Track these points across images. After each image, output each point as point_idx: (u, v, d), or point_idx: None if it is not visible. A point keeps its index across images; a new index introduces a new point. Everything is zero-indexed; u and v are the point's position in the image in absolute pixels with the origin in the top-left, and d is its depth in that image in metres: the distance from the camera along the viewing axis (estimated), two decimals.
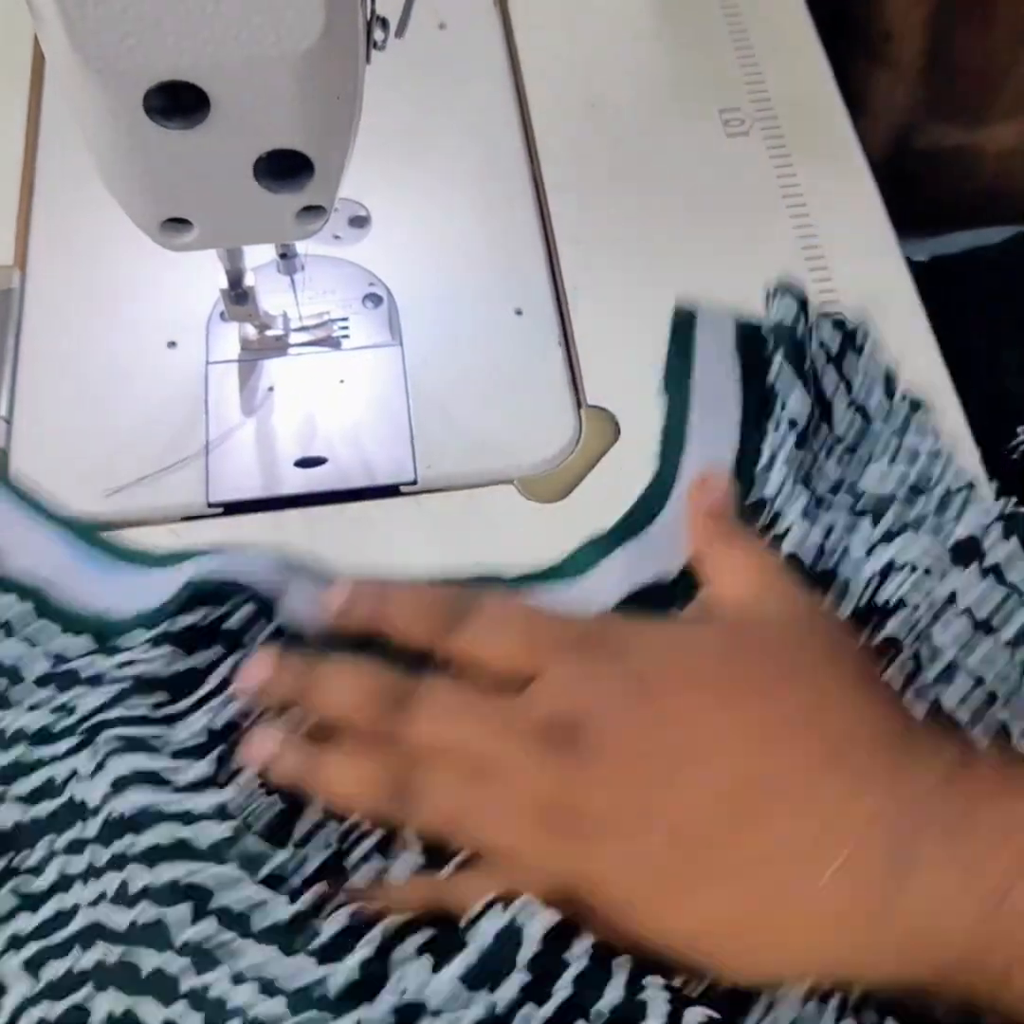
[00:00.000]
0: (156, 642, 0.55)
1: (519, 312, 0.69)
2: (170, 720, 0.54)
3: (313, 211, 0.53)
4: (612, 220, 0.72)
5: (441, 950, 0.48)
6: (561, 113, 0.76)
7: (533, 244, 0.71)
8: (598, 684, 0.51)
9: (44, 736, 0.54)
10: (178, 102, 0.46)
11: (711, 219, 0.72)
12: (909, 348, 0.66)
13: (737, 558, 0.57)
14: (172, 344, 0.67)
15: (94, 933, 0.50)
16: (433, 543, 0.61)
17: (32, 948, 0.50)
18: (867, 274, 0.69)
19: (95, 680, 0.55)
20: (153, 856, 0.50)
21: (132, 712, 0.54)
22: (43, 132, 0.75)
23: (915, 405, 0.61)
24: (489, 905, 0.48)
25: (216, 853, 0.50)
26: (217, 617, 0.55)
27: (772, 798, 0.48)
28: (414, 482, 0.63)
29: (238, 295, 0.62)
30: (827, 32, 0.81)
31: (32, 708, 0.55)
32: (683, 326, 0.64)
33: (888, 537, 0.57)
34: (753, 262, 0.69)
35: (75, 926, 0.50)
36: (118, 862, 0.51)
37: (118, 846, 0.51)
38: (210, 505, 0.62)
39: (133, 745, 0.53)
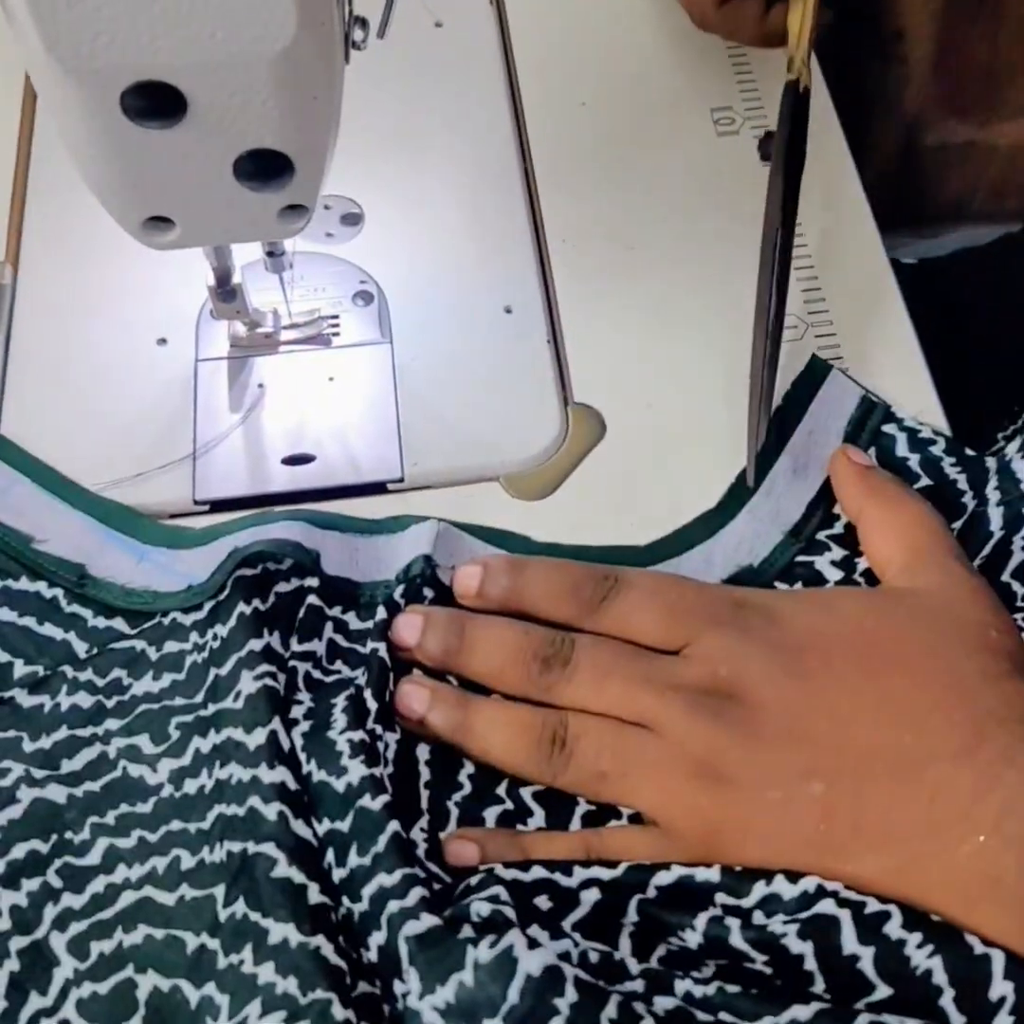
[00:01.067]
0: (209, 622, 0.56)
1: (508, 310, 0.69)
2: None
3: (296, 210, 0.53)
4: (602, 219, 0.72)
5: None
6: (554, 111, 0.77)
7: (523, 242, 0.71)
8: (750, 652, 0.52)
9: (90, 716, 0.55)
10: (155, 102, 0.46)
11: (701, 218, 0.72)
12: (892, 348, 0.66)
13: (892, 517, 0.58)
14: (162, 341, 0.67)
15: (139, 913, 0.50)
16: None
17: (76, 928, 0.50)
18: (853, 274, 0.70)
19: (139, 661, 0.57)
20: (214, 833, 0.51)
21: (194, 699, 0.55)
22: (37, 130, 0.75)
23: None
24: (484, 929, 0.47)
25: (272, 832, 0.50)
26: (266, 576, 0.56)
27: (917, 771, 0.49)
28: (401, 479, 0.63)
29: (226, 293, 0.62)
30: (838, 30, 0.81)
31: (74, 690, 0.56)
32: (814, 373, 0.65)
33: None
34: (742, 261, 0.69)
35: (120, 905, 0.51)
36: (173, 840, 0.52)
37: (176, 824, 0.52)
38: (197, 503, 0.62)
39: (201, 726, 0.54)
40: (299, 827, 0.50)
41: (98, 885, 0.51)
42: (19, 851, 0.52)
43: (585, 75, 0.78)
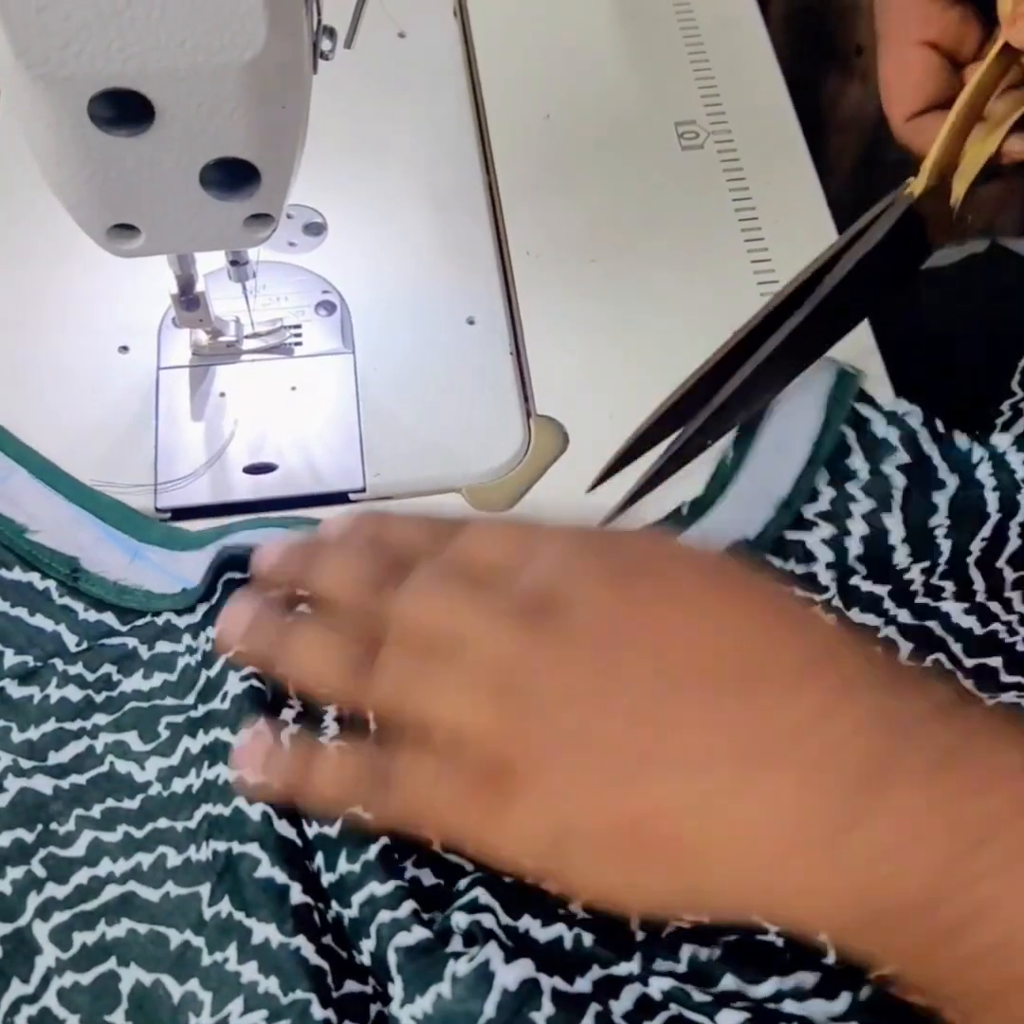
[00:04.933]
0: (202, 626, 0.57)
1: (471, 321, 0.69)
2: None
3: (261, 219, 0.53)
4: (566, 231, 0.72)
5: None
6: (518, 123, 0.77)
7: (487, 254, 0.71)
8: (580, 566, 0.48)
9: (79, 710, 0.55)
10: (123, 110, 0.46)
11: (664, 231, 0.72)
12: (855, 361, 0.66)
13: None
14: (124, 349, 0.67)
15: (123, 907, 0.51)
16: None
17: (59, 918, 0.51)
18: None
19: (131, 658, 0.57)
20: (201, 832, 0.51)
21: (184, 700, 0.55)
22: (0, 134, 0.75)
23: None
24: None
25: (256, 833, 0.50)
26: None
27: (740, 696, 0.44)
28: (363, 489, 0.63)
29: (189, 301, 0.62)
30: (799, 46, 0.81)
31: (63, 683, 0.56)
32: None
33: None
34: (704, 275, 0.70)
35: (104, 898, 0.51)
36: (160, 837, 0.52)
37: (163, 822, 0.52)
38: (158, 510, 0.62)
39: (191, 727, 0.54)
40: (283, 827, 0.50)
41: (82, 877, 0.51)
42: (4, 840, 0.52)
43: (549, 88, 0.78)
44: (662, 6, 0.82)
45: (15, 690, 0.56)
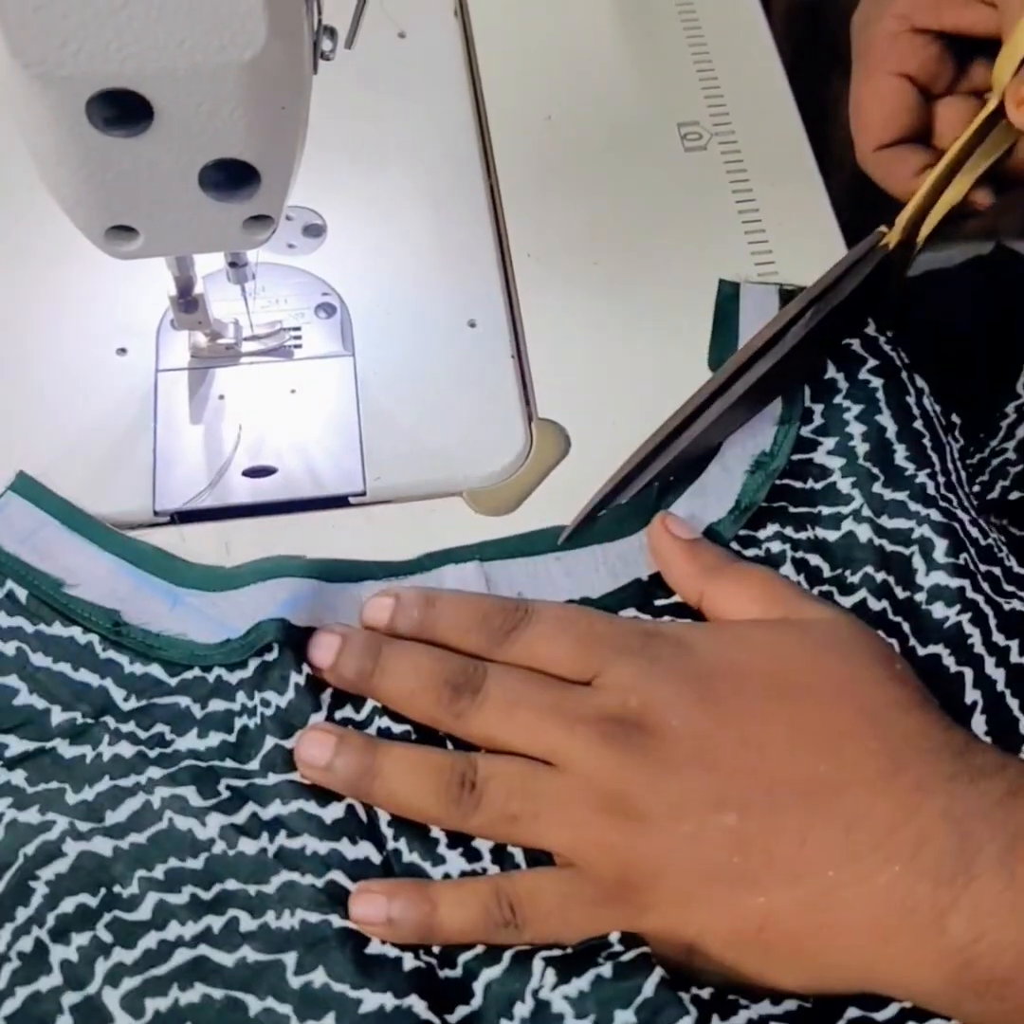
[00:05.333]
0: (256, 684, 0.56)
1: (472, 324, 0.68)
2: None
3: (261, 221, 0.53)
4: (567, 233, 0.72)
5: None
6: (519, 125, 0.76)
7: (488, 256, 0.71)
8: (659, 681, 0.52)
9: (132, 765, 0.54)
10: (121, 110, 0.45)
11: (667, 233, 0.72)
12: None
13: (736, 587, 0.57)
14: (122, 351, 0.67)
15: (195, 971, 0.49)
16: (381, 555, 0.61)
17: (129, 984, 0.49)
18: None
19: (184, 718, 0.55)
20: (281, 900, 0.51)
21: (247, 765, 0.54)
22: None
23: None
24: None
25: (341, 903, 0.51)
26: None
27: (833, 800, 0.48)
28: (363, 493, 0.63)
29: (187, 303, 0.61)
30: (801, 47, 0.81)
31: (115, 740, 0.54)
32: (727, 299, 0.68)
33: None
34: (708, 277, 0.69)
35: (175, 962, 0.49)
36: (228, 899, 0.51)
37: (231, 884, 0.51)
38: (156, 514, 0.62)
39: (259, 794, 0.53)
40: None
41: (150, 941, 0.50)
42: (68, 905, 0.50)
43: (551, 88, 0.78)
44: (664, 6, 0.81)
45: (67, 750, 0.54)
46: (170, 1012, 0.48)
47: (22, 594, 0.58)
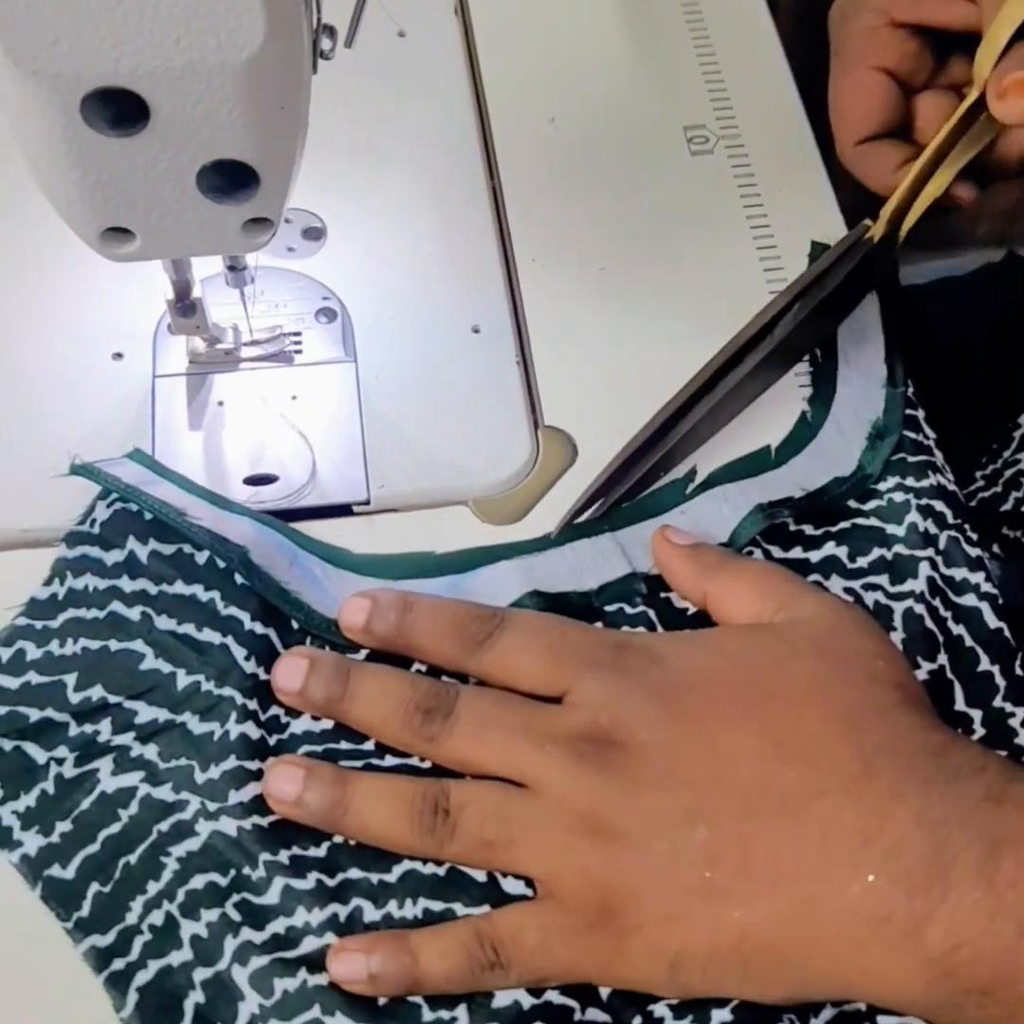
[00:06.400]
0: None
1: (476, 330, 0.67)
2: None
3: (260, 223, 0.52)
4: (572, 238, 0.71)
5: None
6: (522, 127, 0.75)
7: (491, 261, 0.70)
8: (629, 696, 0.51)
9: (257, 750, 0.53)
10: (117, 110, 0.44)
11: (674, 237, 0.71)
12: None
13: (738, 584, 0.57)
14: (118, 356, 0.65)
15: (324, 959, 0.49)
16: None
17: (257, 962, 0.49)
18: None
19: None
20: (403, 889, 0.51)
21: (362, 745, 0.54)
22: None
23: None
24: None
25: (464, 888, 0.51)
26: None
27: (806, 808, 0.48)
28: (367, 502, 0.62)
29: (185, 307, 0.60)
30: (807, 50, 0.80)
31: (242, 718, 0.54)
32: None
33: None
34: (715, 281, 0.68)
35: (303, 950, 0.50)
36: (352, 887, 0.51)
37: (353, 872, 0.51)
38: None
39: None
40: (508, 885, 0.51)
41: (278, 926, 0.50)
42: (198, 881, 0.51)
43: (554, 90, 0.77)
44: (670, 7, 0.80)
45: (196, 726, 0.54)
46: (298, 992, 0.49)
47: (144, 553, 0.57)
